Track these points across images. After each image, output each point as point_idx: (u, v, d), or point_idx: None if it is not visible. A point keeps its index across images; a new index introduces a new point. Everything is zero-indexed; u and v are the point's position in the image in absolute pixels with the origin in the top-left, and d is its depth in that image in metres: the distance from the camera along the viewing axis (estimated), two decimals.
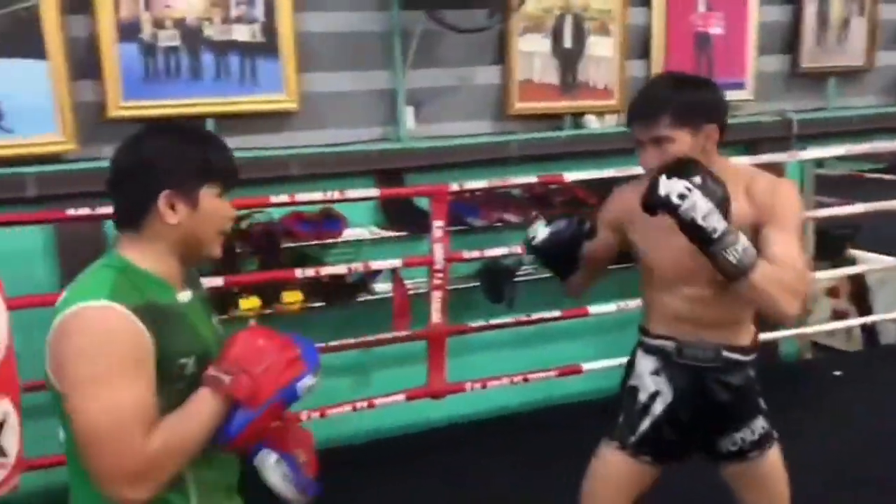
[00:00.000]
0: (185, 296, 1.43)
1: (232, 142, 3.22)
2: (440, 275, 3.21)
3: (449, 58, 3.65)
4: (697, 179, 1.64)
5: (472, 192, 3.43)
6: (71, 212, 2.82)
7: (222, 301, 3.11)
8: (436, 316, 3.24)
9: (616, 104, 3.94)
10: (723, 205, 1.66)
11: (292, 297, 3.29)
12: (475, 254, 3.33)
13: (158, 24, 3.19)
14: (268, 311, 3.22)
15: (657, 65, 3.98)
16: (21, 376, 2.45)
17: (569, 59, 3.83)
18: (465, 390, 3.34)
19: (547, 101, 3.82)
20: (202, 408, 1.32)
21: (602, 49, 3.88)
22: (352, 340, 3.28)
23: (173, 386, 1.34)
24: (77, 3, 3.09)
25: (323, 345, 3.22)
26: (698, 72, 4.07)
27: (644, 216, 1.80)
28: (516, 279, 3.62)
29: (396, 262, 3.24)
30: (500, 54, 3.75)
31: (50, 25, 3.03)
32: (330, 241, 3.41)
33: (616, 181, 3.74)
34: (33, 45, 3.02)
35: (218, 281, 2.93)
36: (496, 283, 3.67)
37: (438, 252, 3.17)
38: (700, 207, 1.63)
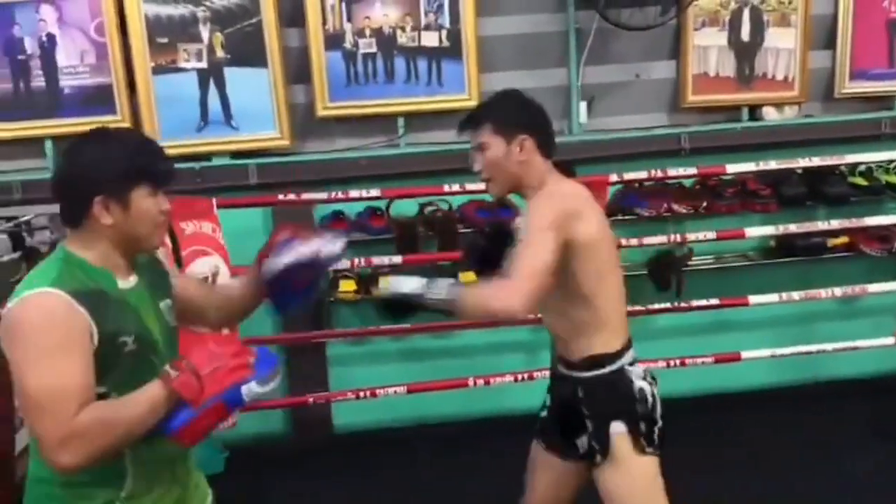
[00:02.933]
0: (127, 283, 1.55)
1: (419, 137, 3.70)
2: None
3: (623, 54, 3.82)
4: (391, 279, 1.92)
5: (639, 182, 3.59)
6: (282, 196, 3.33)
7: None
8: None
9: (797, 95, 3.90)
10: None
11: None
12: (633, 241, 3.48)
13: (359, 33, 3.64)
14: None
15: (843, 55, 3.89)
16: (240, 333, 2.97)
17: (746, 52, 3.85)
18: None
19: (722, 93, 3.87)
20: (144, 397, 1.44)
21: (782, 41, 3.86)
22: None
23: (117, 361, 1.49)
24: (292, 18, 3.62)
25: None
26: (891, 61, 3.94)
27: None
28: (685, 268, 3.75)
29: None
30: (675, 49, 3.85)
31: (271, 38, 3.57)
32: None
33: (779, 173, 3.76)
34: (257, 55, 3.58)
35: (398, 259, 3.34)
36: (664, 271, 3.81)
37: None
38: (403, 284, 1.88)
